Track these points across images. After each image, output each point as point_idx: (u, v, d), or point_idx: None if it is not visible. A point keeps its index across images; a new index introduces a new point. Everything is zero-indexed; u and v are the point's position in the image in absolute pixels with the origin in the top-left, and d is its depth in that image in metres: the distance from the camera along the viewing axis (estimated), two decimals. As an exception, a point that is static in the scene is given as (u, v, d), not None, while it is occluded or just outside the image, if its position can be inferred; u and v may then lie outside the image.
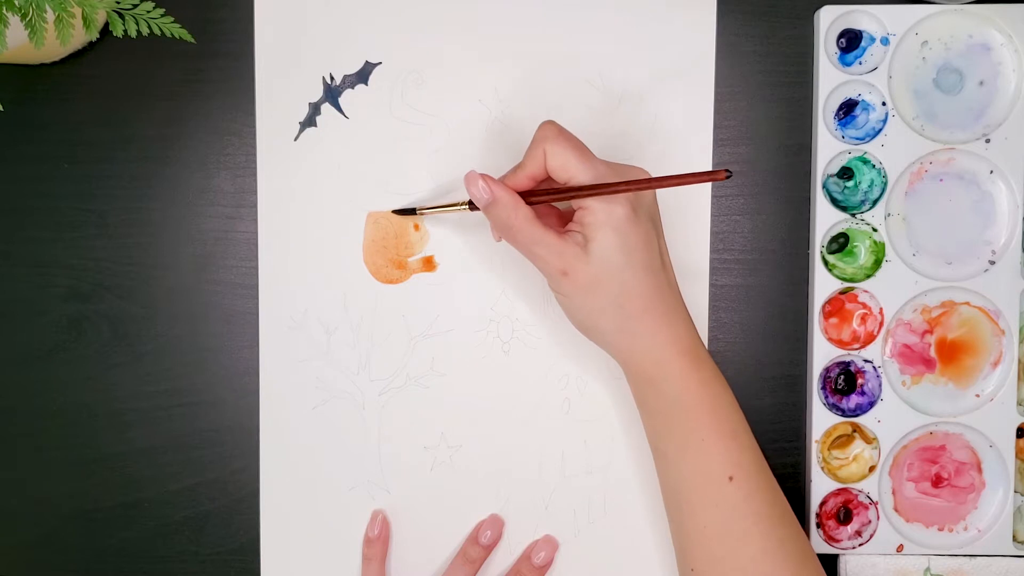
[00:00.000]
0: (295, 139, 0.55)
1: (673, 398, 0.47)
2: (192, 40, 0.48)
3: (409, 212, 0.54)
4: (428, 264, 0.55)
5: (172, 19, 0.47)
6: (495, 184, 0.47)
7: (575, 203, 0.46)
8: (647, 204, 0.47)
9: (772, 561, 0.45)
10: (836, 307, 0.54)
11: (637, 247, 0.45)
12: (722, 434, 0.46)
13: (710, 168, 0.55)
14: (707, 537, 0.46)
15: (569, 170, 0.46)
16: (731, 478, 0.46)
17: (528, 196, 0.47)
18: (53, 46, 0.52)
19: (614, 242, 0.45)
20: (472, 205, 0.49)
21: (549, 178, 0.47)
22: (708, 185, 0.55)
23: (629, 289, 0.46)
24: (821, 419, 0.54)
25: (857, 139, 0.54)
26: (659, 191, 0.49)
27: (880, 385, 0.54)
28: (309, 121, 0.55)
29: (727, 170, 0.43)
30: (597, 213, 0.45)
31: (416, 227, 0.55)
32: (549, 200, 0.47)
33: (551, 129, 0.47)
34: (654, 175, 0.47)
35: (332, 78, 0.55)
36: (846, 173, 0.54)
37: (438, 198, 0.55)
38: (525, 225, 0.46)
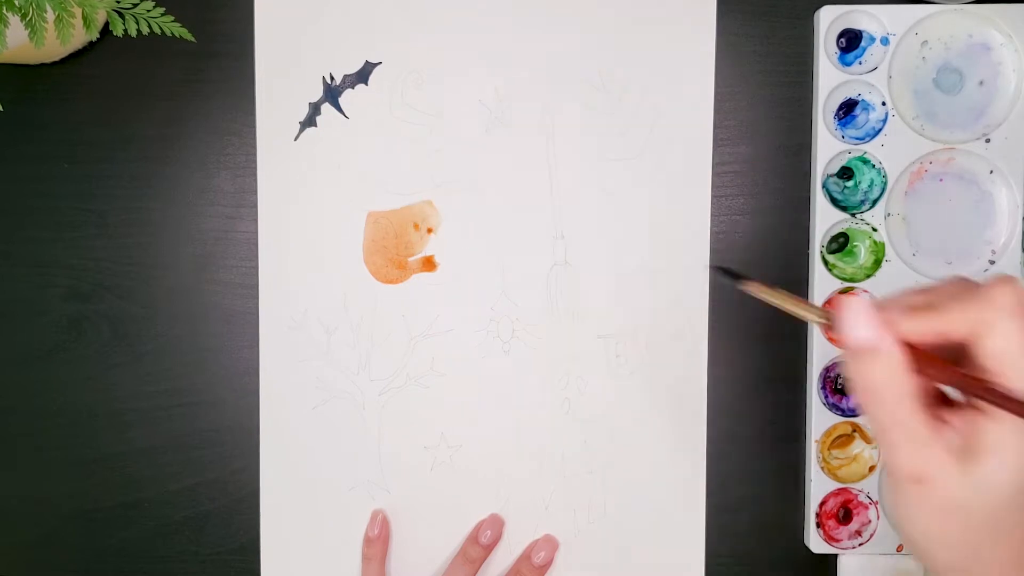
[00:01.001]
0: (295, 139, 0.55)
1: None
2: (192, 39, 0.48)
3: (734, 276, 0.40)
4: (428, 264, 0.55)
5: (172, 18, 0.47)
6: (887, 333, 0.34)
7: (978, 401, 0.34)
8: None
9: None
10: (836, 307, 0.54)
11: None
12: None
13: (711, 167, 0.55)
14: None
15: (1017, 368, 0.32)
16: None
17: (915, 354, 0.34)
18: (53, 46, 0.52)
19: (1014, 467, 0.32)
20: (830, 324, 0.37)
21: (958, 348, 0.34)
22: (708, 185, 0.55)
23: (1005, 538, 0.33)
24: (821, 419, 0.54)
25: (857, 139, 0.54)
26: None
27: (880, 385, 0.54)
28: (309, 121, 0.55)
29: None
30: (1007, 428, 0.32)
31: (416, 227, 0.55)
32: (953, 382, 0.34)
33: (1017, 297, 0.33)
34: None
35: (332, 78, 0.55)
36: (846, 173, 0.54)
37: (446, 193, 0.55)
38: (902, 401, 0.33)
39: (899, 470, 0.34)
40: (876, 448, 0.54)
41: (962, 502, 0.33)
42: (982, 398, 0.33)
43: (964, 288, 0.34)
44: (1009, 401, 0.32)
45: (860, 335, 0.34)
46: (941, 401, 0.35)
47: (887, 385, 0.33)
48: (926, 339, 0.34)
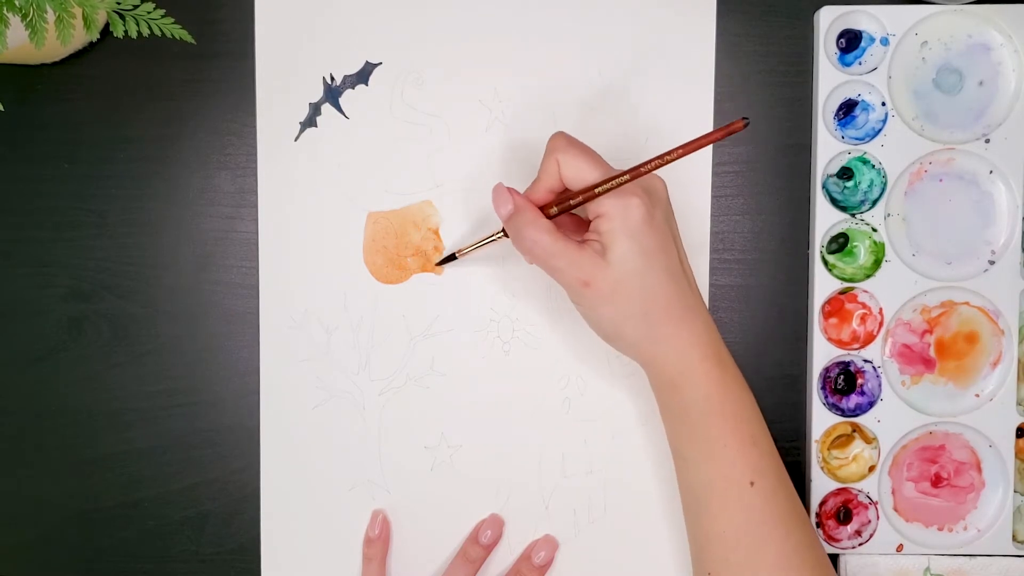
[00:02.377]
0: (295, 139, 0.55)
1: (695, 403, 0.47)
2: (192, 41, 0.48)
3: (450, 258, 0.53)
4: (428, 264, 0.55)
5: (172, 20, 0.47)
6: (517, 195, 0.47)
7: (591, 212, 0.46)
8: (662, 208, 0.47)
9: (788, 566, 0.45)
10: (836, 307, 0.54)
11: (655, 251, 0.45)
12: (743, 439, 0.46)
13: (711, 167, 0.55)
14: (725, 541, 0.46)
15: (584, 178, 0.46)
16: (752, 483, 0.46)
17: (547, 209, 0.47)
18: (53, 46, 0.52)
19: (632, 248, 0.45)
20: (506, 232, 0.49)
21: (565, 189, 0.47)
22: (708, 185, 0.55)
23: (650, 294, 0.45)
24: (821, 419, 0.54)
25: (857, 139, 0.54)
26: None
27: (880, 385, 0.54)
28: (309, 121, 0.55)
29: (744, 118, 0.42)
30: (613, 220, 0.45)
31: (416, 227, 0.55)
32: (566, 209, 0.47)
33: (562, 140, 0.47)
34: (657, 174, 0.47)
35: (332, 78, 0.55)
36: (846, 173, 0.54)
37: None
38: (544, 237, 0.46)
39: (571, 283, 0.46)
40: (875, 448, 0.54)
41: (617, 283, 0.45)
42: (585, 200, 0.46)
43: (545, 155, 0.47)
44: (590, 190, 0.46)
45: (505, 206, 0.48)
46: (585, 230, 0.48)
47: (534, 230, 0.46)
48: (546, 198, 0.48)
